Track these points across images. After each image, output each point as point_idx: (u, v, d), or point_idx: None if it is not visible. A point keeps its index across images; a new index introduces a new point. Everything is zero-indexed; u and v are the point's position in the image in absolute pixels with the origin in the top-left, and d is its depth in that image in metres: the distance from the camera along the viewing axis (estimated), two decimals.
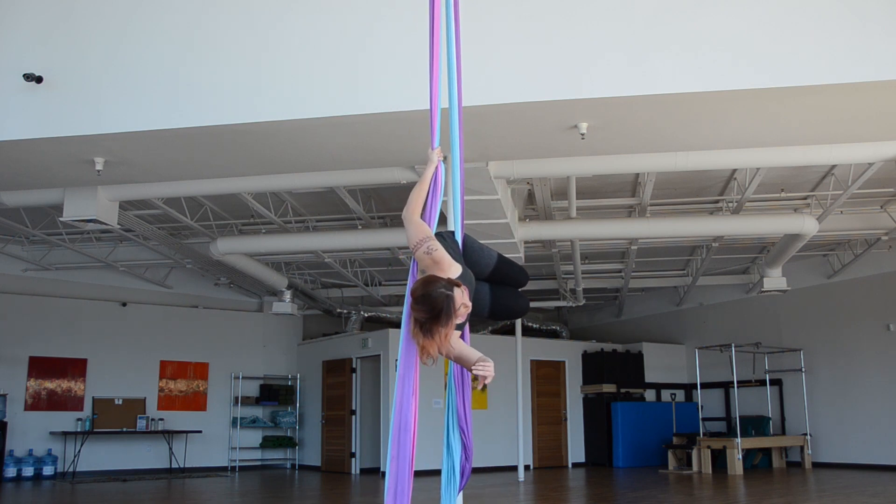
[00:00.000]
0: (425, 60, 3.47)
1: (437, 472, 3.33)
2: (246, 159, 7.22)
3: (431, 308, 2.79)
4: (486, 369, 2.82)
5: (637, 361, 15.63)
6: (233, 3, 6.35)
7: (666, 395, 15.42)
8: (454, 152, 3.42)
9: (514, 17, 5.88)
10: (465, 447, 3.15)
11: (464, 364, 3.01)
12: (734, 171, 8.83)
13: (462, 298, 2.86)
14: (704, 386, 14.72)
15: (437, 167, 3.30)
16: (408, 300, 2.93)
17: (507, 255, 3.54)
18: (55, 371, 13.15)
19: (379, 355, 13.29)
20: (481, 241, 3.43)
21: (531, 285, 14.62)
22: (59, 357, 13.22)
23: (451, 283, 2.86)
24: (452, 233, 3.32)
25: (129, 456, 13.51)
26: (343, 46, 6.05)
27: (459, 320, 2.90)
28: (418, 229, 3.08)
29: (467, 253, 3.26)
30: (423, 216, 3.18)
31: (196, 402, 14.53)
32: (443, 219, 6.17)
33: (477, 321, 14.33)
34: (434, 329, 2.80)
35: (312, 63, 6.09)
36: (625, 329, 17.30)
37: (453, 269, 3.01)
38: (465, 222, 8.38)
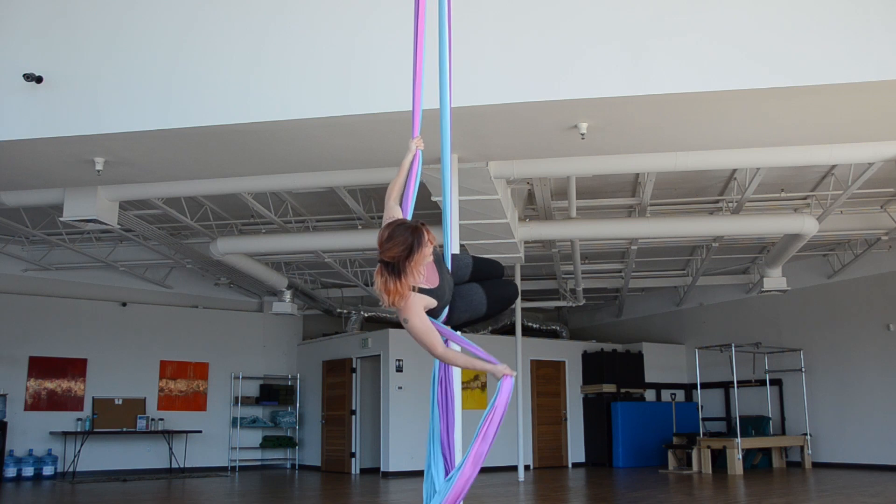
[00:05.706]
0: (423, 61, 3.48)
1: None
2: (246, 159, 7.22)
3: (403, 241, 2.86)
4: (507, 371, 3.13)
5: (637, 361, 15.63)
6: (232, 2, 6.35)
7: (666, 395, 15.42)
8: (444, 153, 3.44)
9: (515, 18, 5.88)
10: (447, 473, 3.18)
11: (476, 368, 3.12)
12: (734, 171, 8.83)
13: (429, 234, 2.93)
14: (704, 386, 14.71)
15: (415, 156, 3.37)
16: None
17: (481, 255, 3.59)
18: (55, 371, 13.15)
19: (379, 355, 13.28)
20: (480, 251, 3.46)
21: (531, 285, 14.61)
22: (59, 357, 13.22)
23: (415, 222, 2.95)
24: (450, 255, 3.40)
25: (129, 456, 13.51)
26: (342, 46, 6.06)
27: (428, 255, 2.94)
28: (389, 212, 3.22)
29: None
30: (401, 202, 3.31)
31: (196, 402, 14.53)
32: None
33: (479, 321, 14.24)
34: (406, 265, 2.87)
35: (311, 63, 6.09)
36: (625, 329, 17.29)
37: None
38: (465, 222, 8.29)
